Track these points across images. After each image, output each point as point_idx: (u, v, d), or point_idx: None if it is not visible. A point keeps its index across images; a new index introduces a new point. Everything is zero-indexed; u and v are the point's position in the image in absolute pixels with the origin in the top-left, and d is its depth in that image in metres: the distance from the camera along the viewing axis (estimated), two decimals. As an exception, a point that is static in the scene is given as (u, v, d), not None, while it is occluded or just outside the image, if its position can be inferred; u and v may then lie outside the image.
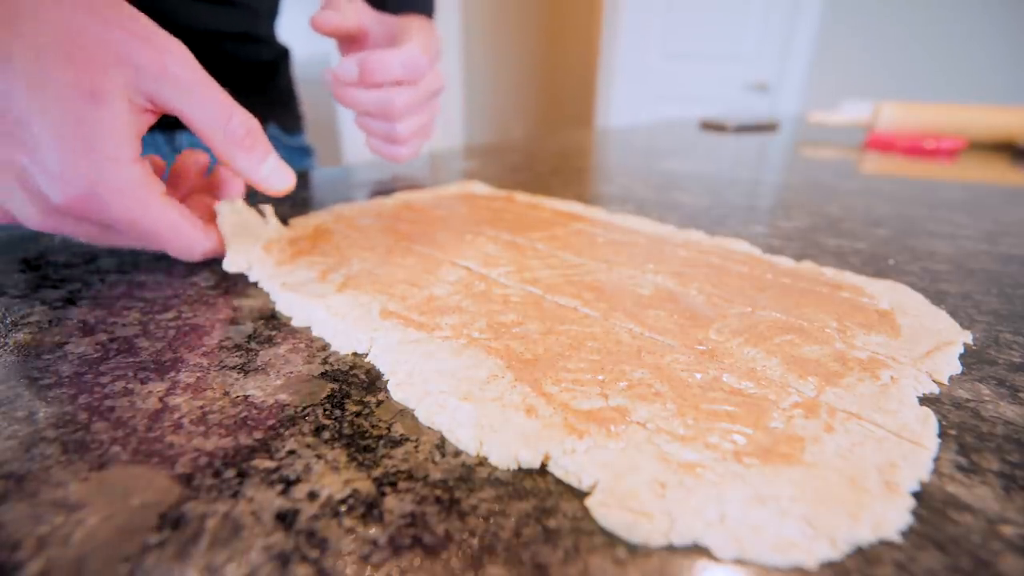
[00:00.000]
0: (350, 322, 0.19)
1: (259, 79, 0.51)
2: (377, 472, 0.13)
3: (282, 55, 0.55)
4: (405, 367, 0.16)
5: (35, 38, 0.18)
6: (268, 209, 0.29)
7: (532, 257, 0.26)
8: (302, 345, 0.18)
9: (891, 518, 0.11)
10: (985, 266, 0.27)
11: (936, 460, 0.13)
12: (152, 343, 0.18)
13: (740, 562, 0.10)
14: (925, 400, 0.16)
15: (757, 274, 0.24)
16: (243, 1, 0.46)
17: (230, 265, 0.23)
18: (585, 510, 0.12)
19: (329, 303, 0.20)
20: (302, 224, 0.30)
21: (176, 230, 0.22)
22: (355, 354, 0.18)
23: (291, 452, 0.13)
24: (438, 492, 0.12)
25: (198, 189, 0.27)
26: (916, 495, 0.12)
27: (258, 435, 0.14)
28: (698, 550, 0.11)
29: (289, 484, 0.12)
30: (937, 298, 0.23)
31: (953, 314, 0.21)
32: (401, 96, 0.36)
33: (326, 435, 0.14)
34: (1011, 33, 1.51)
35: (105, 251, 0.27)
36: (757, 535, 0.11)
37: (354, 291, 0.21)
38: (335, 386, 0.16)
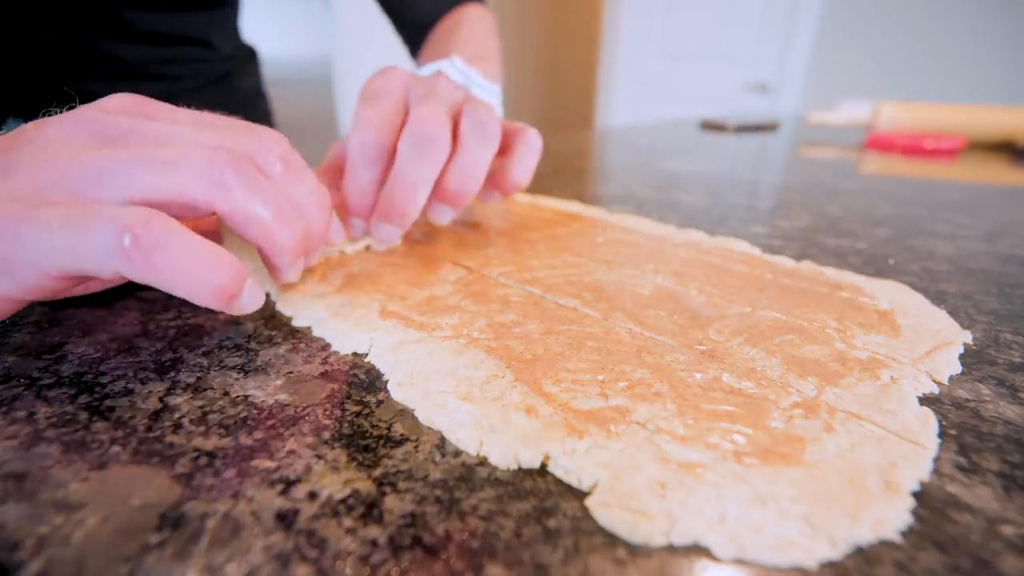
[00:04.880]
0: (350, 322, 0.19)
1: (219, 79, 0.50)
2: (377, 472, 0.13)
3: (248, 56, 0.55)
4: (405, 367, 0.16)
5: None
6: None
7: (532, 257, 0.26)
8: (302, 345, 0.18)
9: (891, 518, 0.11)
10: (985, 266, 0.27)
11: (936, 460, 0.13)
12: (152, 343, 0.18)
13: (740, 562, 0.10)
14: (925, 400, 0.16)
15: (757, 274, 0.24)
16: (201, 7, 0.45)
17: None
18: (585, 510, 0.12)
19: (329, 303, 0.20)
20: None
21: None
22: (355, 354, 0.18)
23: (291, 452, 0.13)
24: (438, 492, 0.12)
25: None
26: (916, 495, 0.12)
27: (258, 435, 0.14)
28: (698, 550, 0.11)
29: (289, 484, 0.12)
30: (937, 298, 0.23)
31: (953, 314, 0.21)
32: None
33: (326, 435, 0.14)
34: (1011, 33, 1.51)
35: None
36: (757, 535, 0.11)
37: (354, 291, 0.21)
38: (335, 386, 0.16)
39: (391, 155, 0.24)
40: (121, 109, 0.17)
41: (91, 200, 0.15)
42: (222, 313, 0.20)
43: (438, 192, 0.24)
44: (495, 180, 0.27)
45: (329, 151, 0.28)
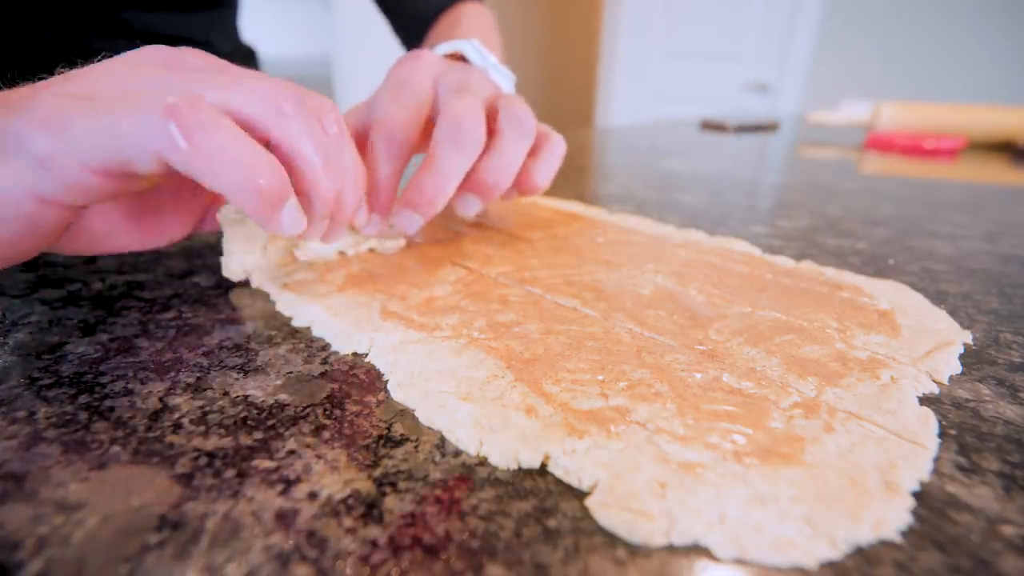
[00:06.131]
0: (350, 322, 0.19)
1: None
2: (377, 472, 0.13)
3: (247, 56, 0.54)
4: (405, 367, 0.16)
5: None
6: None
7: (532, 257, 0.26)
8: (302, 345, 0.18)
9: (891, 518, 0.11)
10: (985, 266, 0.27)
11: (936, 460, 0.13)
12: (152, 343, 0.18)
13: (740, 562, 0.10)
14: (925, 400, 0.16)
15: (757, 274, 0.24)
16: (200, 7, 0.45)
17: (229, 273, 0.23)
18: (585, 510, 0.12)
19: (329, 303, 0.20)
20: None
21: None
22: (355, 354, 0.18)
23: (291, 452, 0.13)
24: (438, 492, 0.12)
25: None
26: (916, 495, 0.12)
27: (258, 435, 0.14)
28: (698, 550, 0.11)
29: (289, 484, 0.12)
30: (937, 298, 0.23)
31: (953, 314, 0.21)
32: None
33: (326, 435, 0.14)
34: (1011, 33, 1.51)
35: (105, 251, 0.27)
36: (757, 535, 0.11)
37: (354, 291, 0.21)
38: (335, 386, 0.16)
39: (413, 150, 0.24)
40: (187, 54, 0.17)
41: None
42: (222, 312, 0.20)
43: (471, 184, 0.24)
44: (517, 180, 0.27)
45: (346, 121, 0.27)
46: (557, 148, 0.27)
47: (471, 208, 0.25)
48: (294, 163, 0.17)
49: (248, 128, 0.16)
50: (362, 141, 0.26)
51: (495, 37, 0.46)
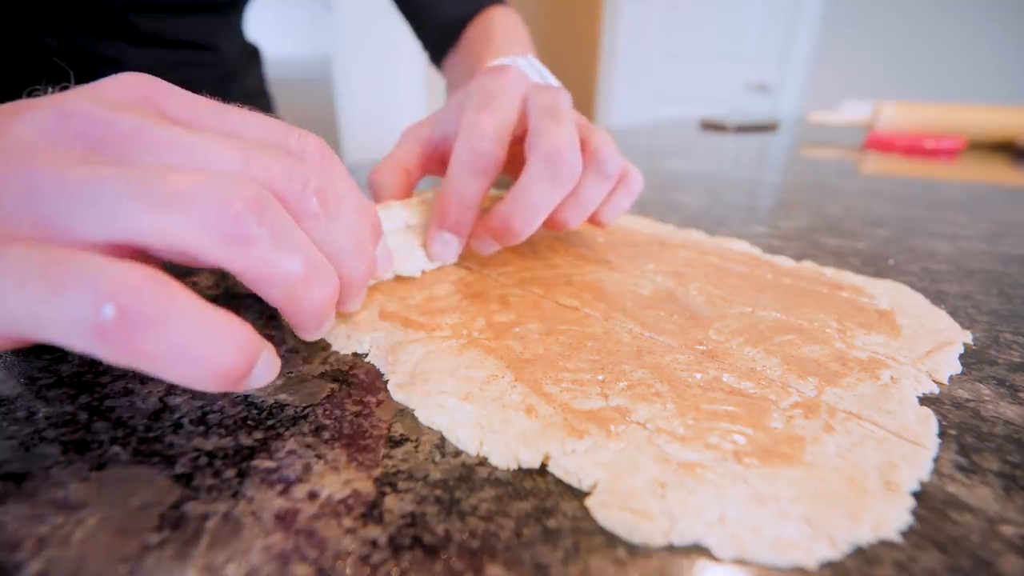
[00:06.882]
0: (350, 322, 0.19)
1: (223, 80, 0.49)
2: (377, 472, 0.13)
3: (251, 55, 0.54)
4: (405, 367, 0.16)
5: None
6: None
7: (532, 257, 0.26)
8: (302, 345, 0.18)
9: (891, 518, 0.11)
10: (985, 266, 0.27)
11: (936, 460, 0.13)
12: (152, 343, 0.18)
13: (740, 562, 0.10)
14: (925, 400, 0.16)
15: (757, 274, 0.24)
16: (208, 10, 0.44)
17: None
18: (585, 510, 0.12)
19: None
20: None
21: None
22: (355, 354, 0.18)
23: (291, 452, 0.13)
24: (438, 492, 0.12)
25: None
26: (916, 495, 0.12)
27: (258, 435, 0.14)
28: (698, 550, 0.11)
29: (289, 484, 0.12)
30: (937, 298, 0.23)
31: (953, 314, 0.21)
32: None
33: (326, 435, 0.14)
34: (1011, 33, 1.51)
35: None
36: (757, 535, 0.11)
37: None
38: (335, 386, 0.16)
39: (501, 169, 0.22)
40: (125, 98, 0.14)
41: (64, 236, 0.11)
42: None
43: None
44: None
45: (404, 138, 0.25)
46: (633, 187, 0.26)
47: (489, 249, 0.24)
48: (267, 287, 0.14)
49: (198, 260, 0.13)
50: (432, 158, 0.25)
51: (529, 45, 0.44)
